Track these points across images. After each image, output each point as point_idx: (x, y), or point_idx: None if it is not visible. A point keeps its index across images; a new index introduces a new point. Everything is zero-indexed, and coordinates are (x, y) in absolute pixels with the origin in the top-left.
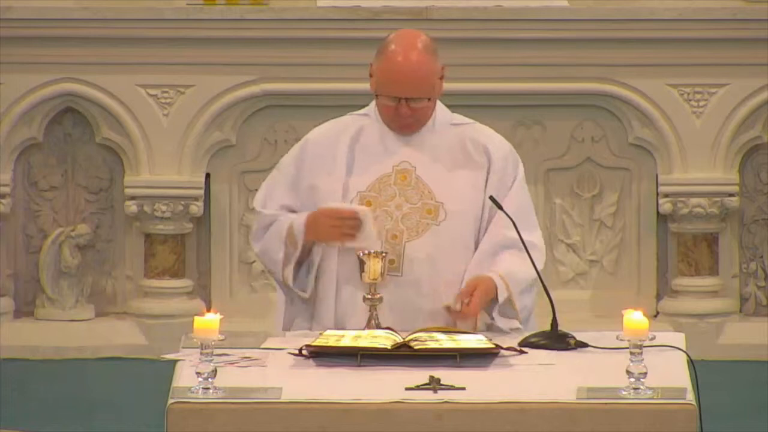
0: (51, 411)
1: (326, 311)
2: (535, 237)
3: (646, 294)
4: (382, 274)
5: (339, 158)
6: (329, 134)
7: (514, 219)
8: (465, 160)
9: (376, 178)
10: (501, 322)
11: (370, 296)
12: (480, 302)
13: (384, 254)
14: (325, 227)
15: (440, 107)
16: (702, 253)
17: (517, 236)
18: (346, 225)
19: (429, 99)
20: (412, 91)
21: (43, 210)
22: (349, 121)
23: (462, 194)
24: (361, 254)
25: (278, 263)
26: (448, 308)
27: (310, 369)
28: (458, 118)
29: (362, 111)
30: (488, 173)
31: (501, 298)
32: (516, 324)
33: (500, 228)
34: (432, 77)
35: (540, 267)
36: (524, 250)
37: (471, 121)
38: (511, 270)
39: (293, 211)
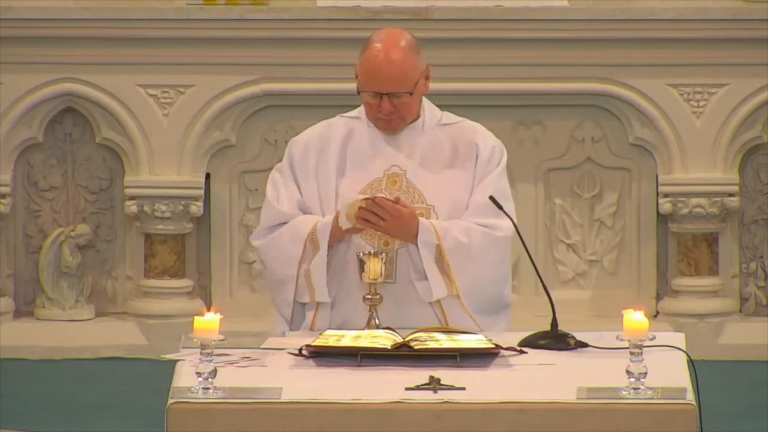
0: (51, 411)
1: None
2: (503, 222)
3: (646, 294)
4: (381, 274)
5: (330, 162)
6: (318, 137)
7: (487, 204)
8: (455, 161)
9: (368, 183)
10: (434, 278)
11: (370, 296)
12: (394, 210)
13: (383, 254)
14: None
15: (429, 107)
16: (702, 253)
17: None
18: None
19: (411, 94)
20: (392, 86)
21: (43, 210)
22: (339, 124)
23: (453, 197)
24: (361, 254)
25: (294, 259)
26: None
27: (310, 369)
28: (447, 117)
29: (352, 113)
30: (476, 164)
31: (424, 237)
32: (448, 291)
33: (469, 215)
34: (412, 72)
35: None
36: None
37: (460, 119)
38: (446, 226)
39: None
